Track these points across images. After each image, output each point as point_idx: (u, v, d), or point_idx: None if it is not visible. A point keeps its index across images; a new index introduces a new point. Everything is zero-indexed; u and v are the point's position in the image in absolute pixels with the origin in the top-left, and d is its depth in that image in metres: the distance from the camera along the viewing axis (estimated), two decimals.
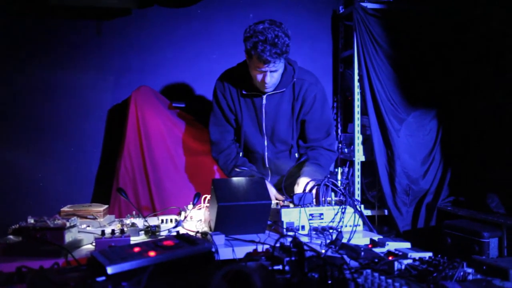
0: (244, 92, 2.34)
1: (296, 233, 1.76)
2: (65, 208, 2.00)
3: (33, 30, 3.50)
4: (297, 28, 3.96)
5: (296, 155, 2.48)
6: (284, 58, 2.19)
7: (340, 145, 3.97)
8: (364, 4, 3.60)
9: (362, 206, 3.70)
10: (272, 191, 2.19)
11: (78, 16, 3.55)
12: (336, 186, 1.94)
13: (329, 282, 1.15)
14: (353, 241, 1.70)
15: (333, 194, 1.96)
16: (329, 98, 4.10)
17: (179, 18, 3.73)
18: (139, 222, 1.88)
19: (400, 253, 1.50)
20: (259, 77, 2.20)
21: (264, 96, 2.33)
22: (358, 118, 3.74)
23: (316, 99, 2.35)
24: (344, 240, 1.66)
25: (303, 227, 1.81)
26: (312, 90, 2.34)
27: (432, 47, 3.65)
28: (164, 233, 1.79)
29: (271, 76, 2.20)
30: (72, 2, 3.36)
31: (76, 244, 1.64)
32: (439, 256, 1.42)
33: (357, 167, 3.73)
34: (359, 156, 3.73)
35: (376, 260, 1.42)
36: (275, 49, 2.10)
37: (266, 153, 2.40)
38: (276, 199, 2.17)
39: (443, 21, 3.65)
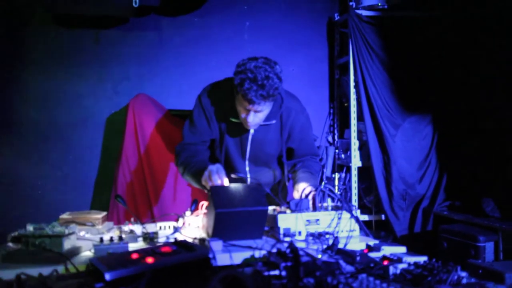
0: (232, 120, 2.21)
1: (293, 239, 1.77)
2: (64, 216, 2.01)
3: (32, 39, 3.53)
4: (293, 35, 4.01)
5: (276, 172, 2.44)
6: (271, 101, 2.07)
7: (337, 151, 3.99)
8: (359, 12, 3.64)
9: (359, 211, 3.69)
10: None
11: (76, 25, 3.58)
12: (333, 191, 1.96)
13: (324, 287, 1.17)
14: (350, 246, 1.71)
15: (329, 199, 1.97)
16: (326, 105, 4.15)
17: (176, 27, 3.76)
18: (137, 229, 1.89)
19: (395, 258, 1.51)
20: (243, 114, 2.11)
21: None
22: (354, 124, 3.77)
23: (303, 127, 2.31)
24: (341, 245, 1.67)
25: (299, 232, 1.82)
26: (299, 119, 2.27)
27: (426, 53, 3.69)
28: (162, 240, 1.80)
29: (255, 116, 2.09)
30: (71, 11, 3.40)
31: (75, 251, 1.64)
32: (434, 260, 1.43)
33: (354, 172, 3.75)
34: (356, 161, 3.75)
35: (372, 265, 1.44)
36: (262, 90, 1.98)
37: (248, 175, 2.30)
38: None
39: (438, 27, 3.70)
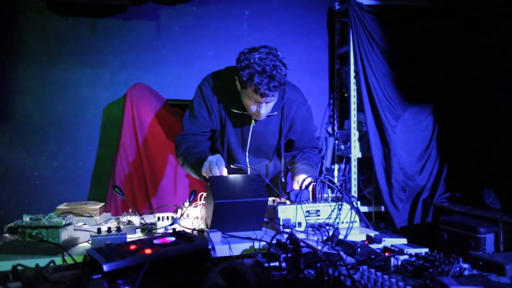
0: (233, 111, 2.18)
1: (293, 230, 1.76)
2: (61, 206, 2.00)
3: (28, 28, 3.49)
4: (293, 24, 3.97)
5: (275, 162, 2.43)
6: (281, 89, 2.06)
7: (336, 142, 3.97)
8: (359, 1, 3.60)
9: (359, 202, 3.71)
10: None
11: (73, 13, 3.54)
12: (333, 182, 1.94)
13: (325, 278, 1.15)
14: (350, 238, 1.70)
15: (329, 190, 1.96)
16: (326, 96, 4.13)
17: (174, 15, 3.72)
18: (136, 220, 1.88)
19: (397, 249, 1.50)
20: (253, 108, 2.07)
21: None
22: (354, 114, 3.75)
23: (304, 119, 2.30)
24: (341, 237, 1.66)
25: (299, 223, 1.81)
26: (301, 111, 2.27)
27: (428, 43, 3.66)
28: (160, 231, 1.79)
29: (267, 106, 2.08)
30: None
31: (72, 242, 1.63)
32: (435, 251, 1.42)
33: (354, 163, 3.74)
34: (356, 152, 3.74)
35: (373, 256, 1.43)
36: (273, 82, 1.95)
37: (248, 166, 2.28)
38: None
39: (439, 17, 3.66)
